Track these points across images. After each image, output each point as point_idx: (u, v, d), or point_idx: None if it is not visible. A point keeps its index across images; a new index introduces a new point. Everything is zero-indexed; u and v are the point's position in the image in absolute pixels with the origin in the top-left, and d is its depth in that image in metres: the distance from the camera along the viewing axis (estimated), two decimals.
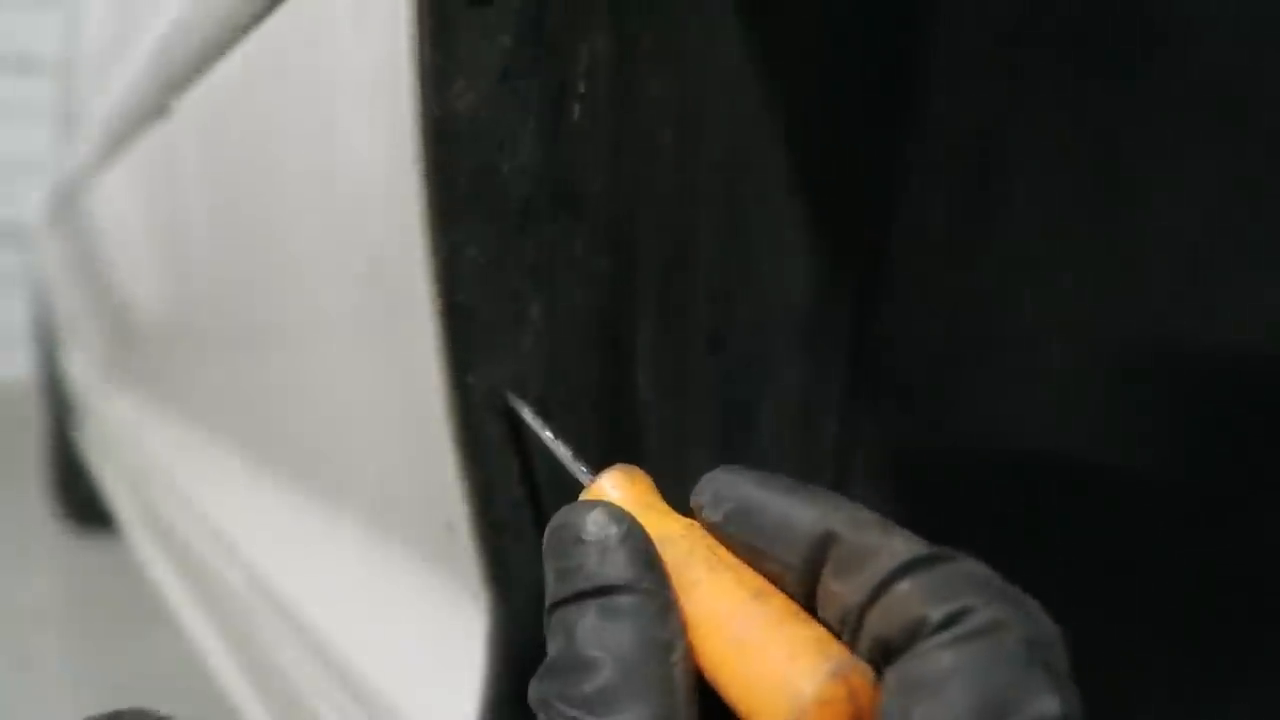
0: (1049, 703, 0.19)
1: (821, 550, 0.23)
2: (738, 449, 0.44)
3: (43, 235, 2.10)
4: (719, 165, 0.39)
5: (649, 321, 0.38)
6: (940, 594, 0.21)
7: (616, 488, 0.28)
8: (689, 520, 0.27)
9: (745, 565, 0.25)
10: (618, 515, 0.25)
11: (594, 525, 0.25)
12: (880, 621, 0.21)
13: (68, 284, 1.79)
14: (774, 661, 0.22)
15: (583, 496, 0.29)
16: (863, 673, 0.22)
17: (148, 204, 0.83)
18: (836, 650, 0.22)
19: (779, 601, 0.23)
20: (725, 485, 0.26)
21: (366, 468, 0.44)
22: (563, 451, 0.31)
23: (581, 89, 0.32)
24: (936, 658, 0.20)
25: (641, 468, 0.40)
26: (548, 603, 0.25)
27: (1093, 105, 0.47)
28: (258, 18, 0.42)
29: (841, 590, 0.22)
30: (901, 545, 0.22)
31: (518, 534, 0.35)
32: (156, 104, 0.65)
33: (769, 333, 0.43)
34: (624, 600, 0.23)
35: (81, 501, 2.12)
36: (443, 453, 0.34)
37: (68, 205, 1.53)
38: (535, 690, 0.23)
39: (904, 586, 0.21)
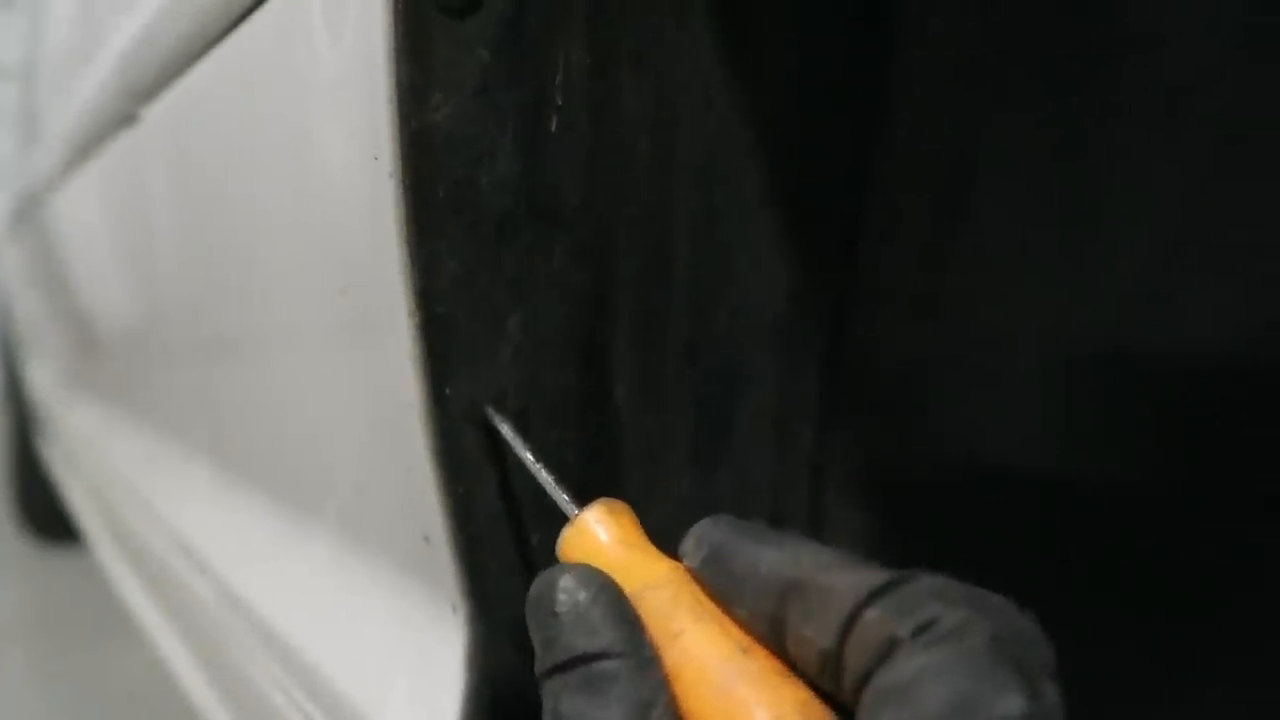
0: (1013, 700, 0.19)
1: (787, 596, 0.23)
2: (714, 459, 0.44)
3: (3, 241, 2.07)
4: (695, 175, 0.39)
5: (626, 332, 0.38)
6: (906, 611, 0.21)
7: (600, 523, 0.28)
8: (673, 562, 0.27)
9: (726, 615, 0.25)
10: (586, 578, 0.25)
11: (564, 594, 0.25)
12: (857, 655, 0.21)
13: (29, 291, 1.76)
14: None
15: (565, 532, 0.29)
16: None
17: (114, 212, 0.82)
18: (820, 713, 0.22)
19: (764, 658, 0.24)
20: (705, 531, 0.26)
21: (342, 480, 0.44)
22: (545, 478, 0.31)
23: (559, 101, 0.32)
24: (904, 665, 0.20)
25: (618, 478, 0.40)
26: (536, 675, 0.25)
27: (1058, 116, 0.48)
28: (229, 27, 0.42)
29: (813, 635, 0.22)
30: (861, 578, 0.22)
31: (495, 546, 0.35)
32: (124, 112, 0.65)
33: (745, 343, 0.44)
34: (601, 666, 0.24)
35: (44, 513, 2.08)
36: (420, 465, 0.34)
37: (30, 211, 1.50)
38: None
39: (871, 615, 0.21)
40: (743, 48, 0.40)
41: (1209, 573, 0.54)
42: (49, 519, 2.07)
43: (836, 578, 0.23)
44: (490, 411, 0.33)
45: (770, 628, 0.24)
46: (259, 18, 0.38)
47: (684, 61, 0.38)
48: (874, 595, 0.22)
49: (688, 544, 0.26)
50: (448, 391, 0.32)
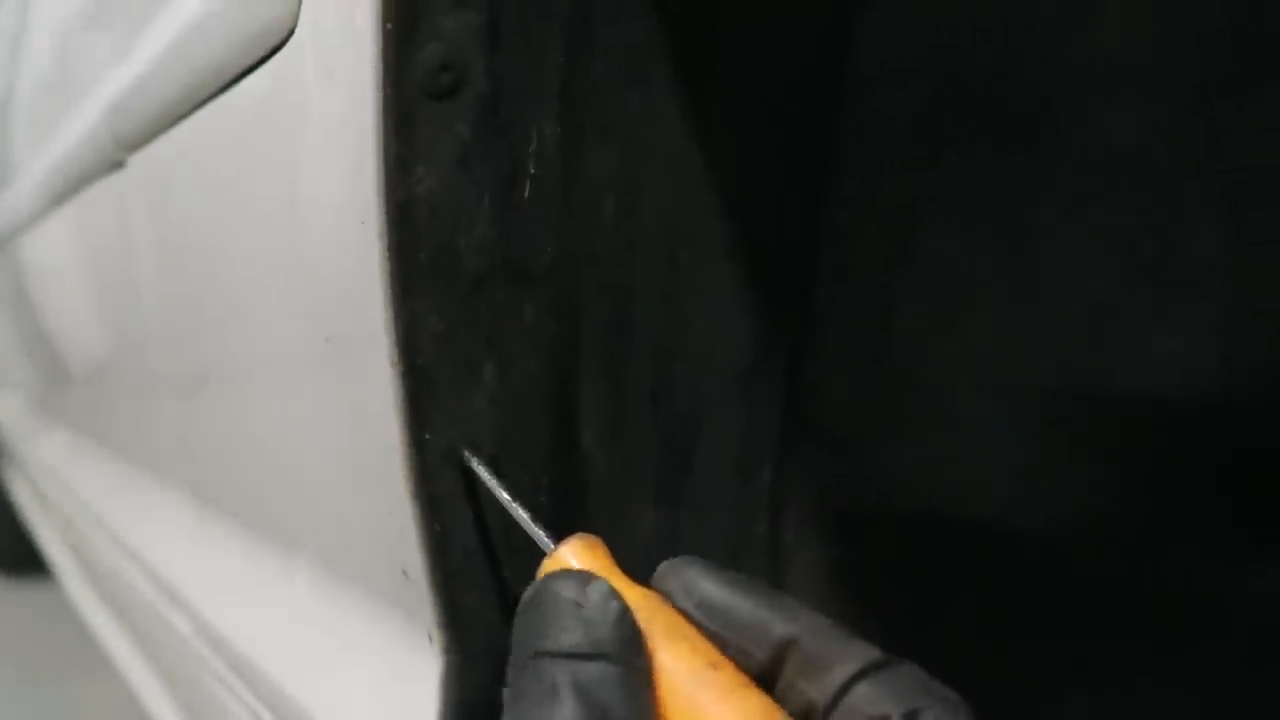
0: None
1: (785, 652, 0.27)
2: (677, 496, 0.46)
3: None
4: (657, 231, 0.42)
5: (592, 379, 0.40)
6: (896, 697, 0.25)
7: (577, 556, 0.30)
8: (646, 590, 0.29)
9: (699, 635, 0.28)
10: (612, 592, 0.28)
11: (597, 595, 0.27)
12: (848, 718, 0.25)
13: None
14: None
15: (545, 563, 0.31)
16: None
17: (92, 250, 0.84)
18: (781, 717, 0.25)
19: (730, 671, 0.27)
20: (694, 579, 0.29)
21: (323, 516, 0.46)
22: (521, 514, 0.33)
23: (532, 170, 0.35)
24: None
25: (586, 516, 0.43)
26: (533, 649, 0.26)
27: (1001, 174, 0.51)
28: (221, 89, 0.44)
29: (808, 689, 0.26)
30: (857, 652, 0.26)
31: (470, 580, 0.38)
32: (110, 158, 0.67)
33: (706, 386, 0.46)
34: (612, 669, 0.26)
35: (8, 543, 2.05)
36: (400, 503, 0.36)
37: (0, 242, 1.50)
38: None
39: (863, 689, 0.25)
40: (701, 109, 0.42)
41: (1156, 615, 0.57)
42: (14, 549, 2.04)
43: (835, 647, 0.27)
44: (466, 455, 0.35)
45: (759, 674, 0.27)
46: (251, 84, 0.41)
47: (646, 126, 0.41)
48: (867, 670, 0.26)
49: (670, 585, 0.29)
50: (427, 436, 0.35)
